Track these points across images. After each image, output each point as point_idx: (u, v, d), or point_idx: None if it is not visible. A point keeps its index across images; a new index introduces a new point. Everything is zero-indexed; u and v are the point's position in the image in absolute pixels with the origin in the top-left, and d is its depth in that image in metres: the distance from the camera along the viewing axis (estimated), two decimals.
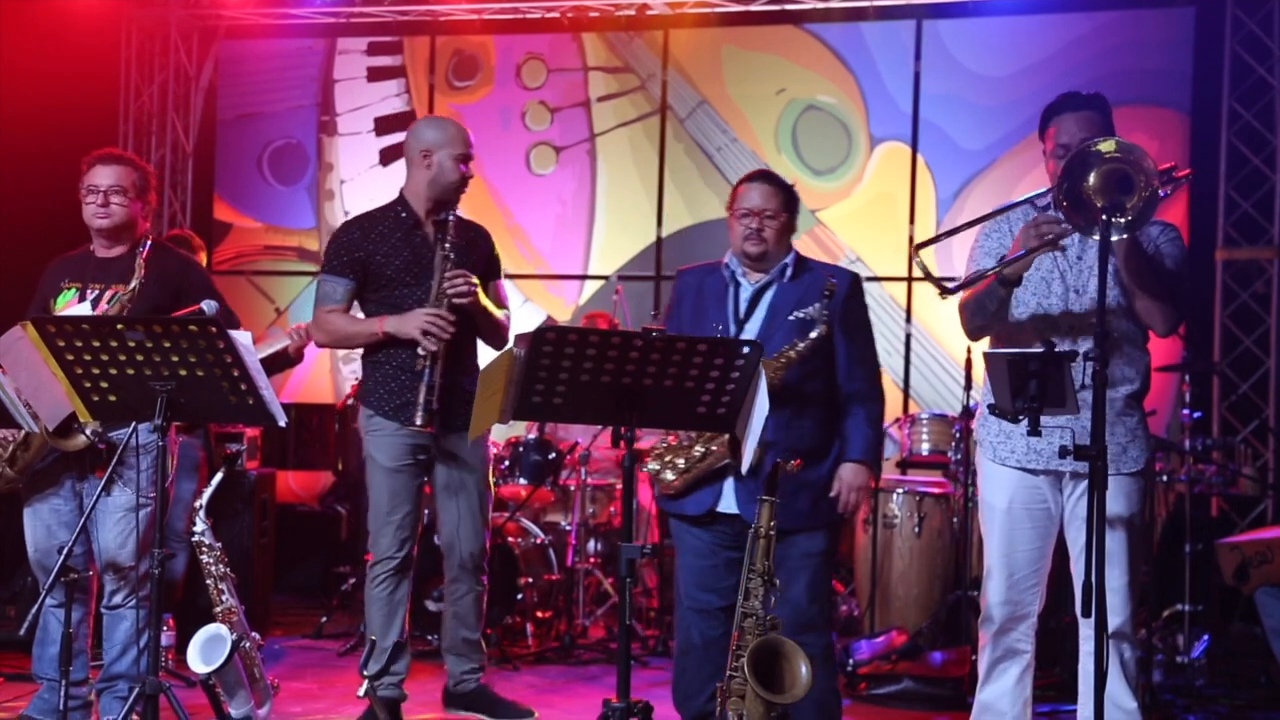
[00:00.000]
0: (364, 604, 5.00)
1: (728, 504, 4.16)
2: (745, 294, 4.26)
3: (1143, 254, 3.91)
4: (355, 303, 5.00)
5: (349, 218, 5.11)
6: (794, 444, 4.09)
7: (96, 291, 4.61)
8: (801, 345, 4.08)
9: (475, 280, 4.79)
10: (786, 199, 4.28)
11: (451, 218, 4.86)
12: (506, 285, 5.24)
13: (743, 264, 4.28)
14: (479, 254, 5.00)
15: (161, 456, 3.82)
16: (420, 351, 4.76)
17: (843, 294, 4.19)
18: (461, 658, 5.07)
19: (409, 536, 4.94)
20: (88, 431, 4.41)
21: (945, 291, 4.04)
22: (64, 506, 4.61)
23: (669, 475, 4.23)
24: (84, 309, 4.52)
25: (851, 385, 4.23)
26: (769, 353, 4.11)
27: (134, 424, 4.12)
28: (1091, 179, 3.58)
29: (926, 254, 8.09)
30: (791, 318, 4.15)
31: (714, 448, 4.11)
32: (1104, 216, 3.55)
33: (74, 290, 4.64)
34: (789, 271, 4.24)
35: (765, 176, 4.34)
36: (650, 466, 4.29)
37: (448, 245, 4.81)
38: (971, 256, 4.20)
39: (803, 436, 4.14)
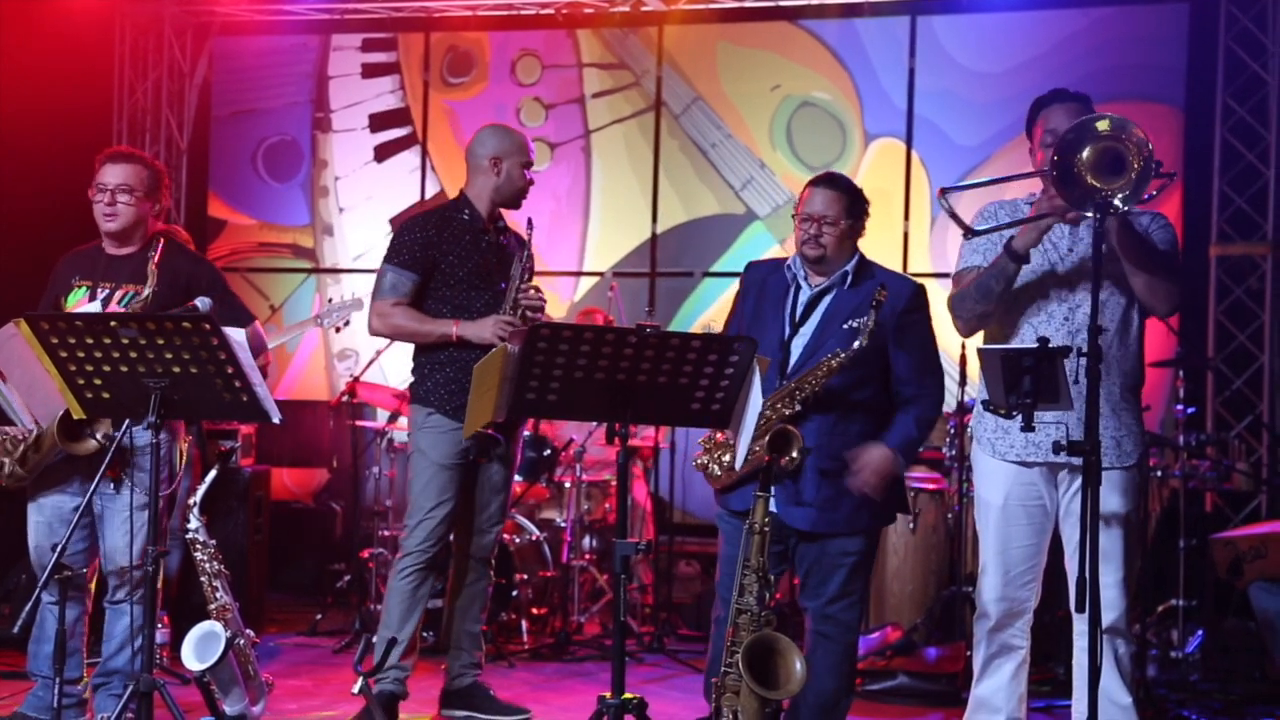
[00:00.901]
0: (361, 601, 5.01)
1: (769, 503, 4.14)
2: (804, 297, 4.20)
3: (1134, 232, 3.92)
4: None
5: (418, 214, 5.15)
6: (838, 450, 4.07)
7: (107, 290, 4.60)
8: (843, 355, 4.01)
9: (544, 294, 4.98)
10: (850, 204, 4.20)
11: (530, 230, 5.05)
12: None
13: (805, 266, 4.23)
14: (528, 259, 5.10)
15: (154, 455, 3.81)
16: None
17: (900, 306, 4.12)
18: (461, 652, 5.11)
19: (446, 534, 5.01)
20: (98, 435, 4.39)
21: (970, 233, 4.02)
22: (68, 505, 4.59)
23: (716, 470, 4.25)
24: (94, 308, 4.51)
25: (909, 390, 4.17)
26: (814, 360, 4.07)
27: (127, 423, 4.11)
28: (1085, 154, 3.59)
29: (920, 242, 8.10)
30: (845, 326, 4.08)
31: (755, 447, 4.09)
32: (1097, 213, 3.56)
33: (85, 289, 4.63)
34: (849, 279, 4.18)
35: (830, 181, 4.26)
36: (699, 460, 4.31)
37: (527, 255, 4.99)
38: (961, 253, 4.21)
39: (847, 443, 4.09)
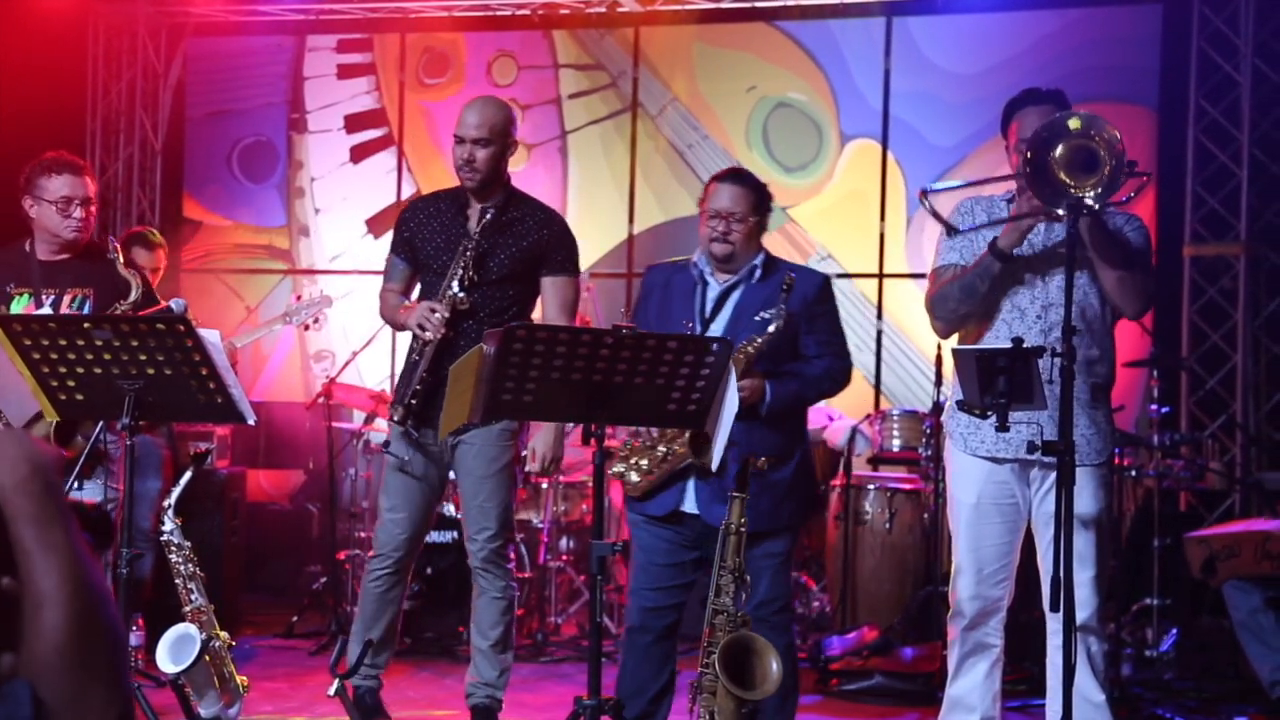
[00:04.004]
0: (337, 603, 4.96)
1: (690, 504, 4.14)
2: (713, 293, 4.23)
3: (1107, 230, 3.94)
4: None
5: (414, 195, 4.99)
6: (756, 446, 4.04)
7: (52, 296, 4.59)
8: (760, 340, 4.03)
9: (439, 319, 4.53)
10: (757, 200, 4.22)
11: (489, 212, 4.62)
12: None
13: (710, 263, 4.24)
14: (523, 244, 4.69)
15: (129, 456, 3.80)
16: (414, 343, 4.67)
17: (808, 297, 4.16)
18: (474, 668, 4.84)
19: (408, 536, 4.76)
20: (79, 436, 4.38)
21: (953, 231, 4.03)
22: None
23: (634, 476, 4.21)
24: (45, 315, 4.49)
25: (813, 355, 4.20)
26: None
27: (100, 425, 4.10)
28: (1058, 152, 3.61)
29: (896, 243, 8.11)
30: (757, 319, 4.10)
31: (676, 448, 4.09)
32: (1070, 213, 3.57)
33: (27, 295, 4.60)
34: (757, 273, 4.21)
35: (736, 177, 4.29)
36: (615, 469, 4.25)
37: (474, 241, 4.59)
38: (938, 251, 4.22)
39: (765, 438, 4.08)
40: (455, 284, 4.58)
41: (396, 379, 4.83)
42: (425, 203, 4.88)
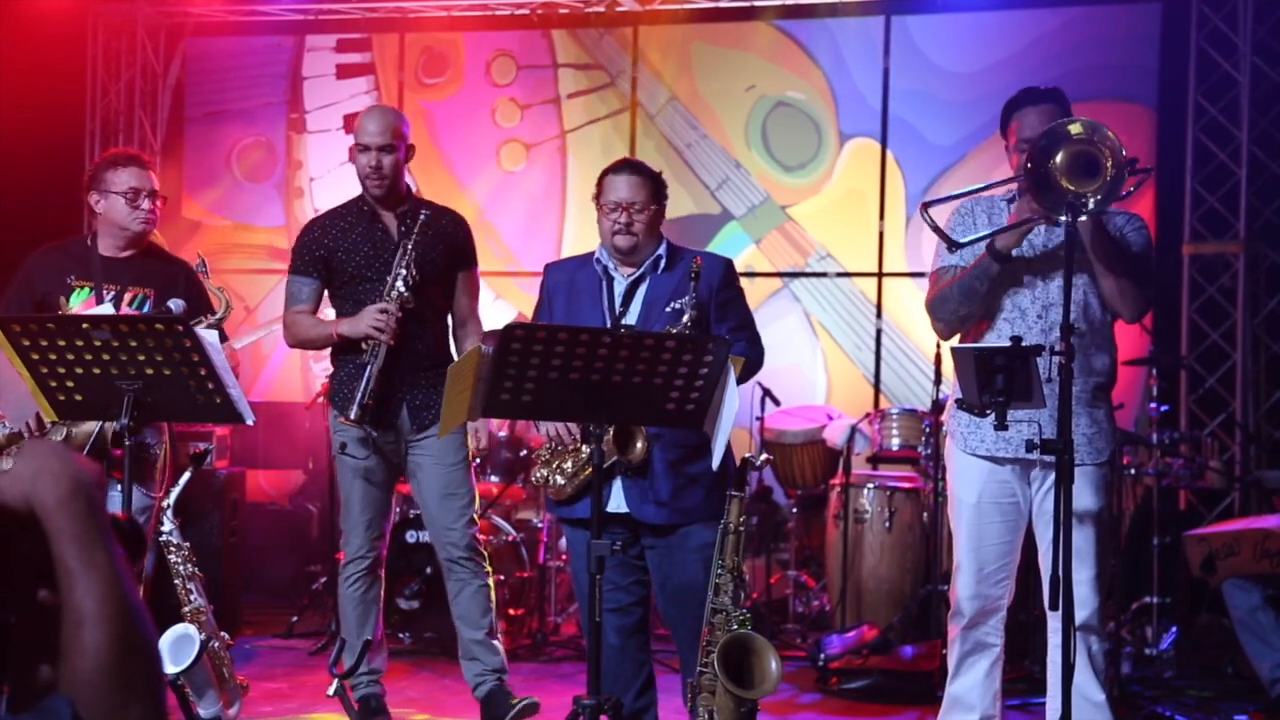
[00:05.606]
0: (337, 603, 4.97)
1: (617, 504, 4.08)
2: (620, 287, 4.18)
3: (1109, 236, 3.94)
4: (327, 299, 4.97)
5: (315, 215, 5.08)
6: (681, 439, 4.02)
7: (113, 293, 4.60)
8: (675, 333, 3.93)
9: (392, 320, 4.66)
10: (655, 189, 4.21)
11: (424, 214, 4.76)
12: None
13: (613, 257, 4.19)
14: (446, 244, 4.89)
15: (128, 457, 3.80)
16: (364, 345, 4.71)
17: (714, 283, 4.11)
18: (472, 662, 4.90)
19: (380, 535, 4.89)
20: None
21: (954, 245, 4.02)
22: None
23: (559, 480, 4.14)
24: (105, 310, 4.49)
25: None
26: None
27: (100, 425, 4.10)
28: (1059, 159, 3.61)
29: (896, 242, 8.12)
30: (668, 309, 4.06)
31: (600, 447, 4.02)
32: (1069, 215, 3.57)
33: (88, 289, 4.62)
34: (663, 262, 4.17)
35: (631, 166, 4.25)
36: (538, 474, 4.20)
37: (412, 242, 4.72)
38: (938, 253, 4.21)
39: (684, 430, 3.94)
40: (400, 285, 4.71)
41: (341, 389, 4.84)
42: (330, 221, 4.95)
